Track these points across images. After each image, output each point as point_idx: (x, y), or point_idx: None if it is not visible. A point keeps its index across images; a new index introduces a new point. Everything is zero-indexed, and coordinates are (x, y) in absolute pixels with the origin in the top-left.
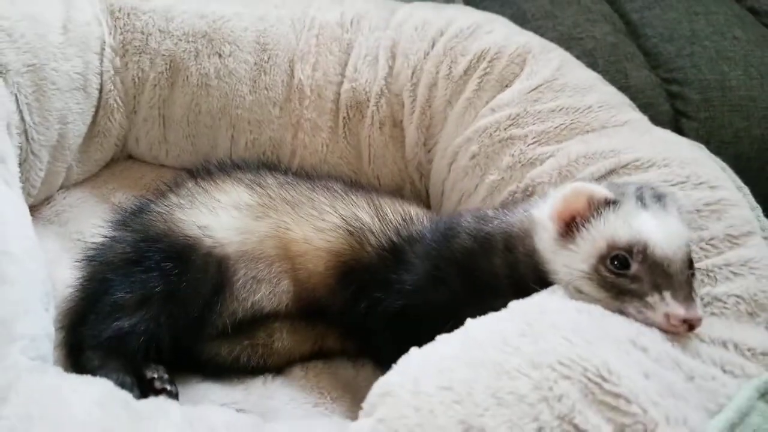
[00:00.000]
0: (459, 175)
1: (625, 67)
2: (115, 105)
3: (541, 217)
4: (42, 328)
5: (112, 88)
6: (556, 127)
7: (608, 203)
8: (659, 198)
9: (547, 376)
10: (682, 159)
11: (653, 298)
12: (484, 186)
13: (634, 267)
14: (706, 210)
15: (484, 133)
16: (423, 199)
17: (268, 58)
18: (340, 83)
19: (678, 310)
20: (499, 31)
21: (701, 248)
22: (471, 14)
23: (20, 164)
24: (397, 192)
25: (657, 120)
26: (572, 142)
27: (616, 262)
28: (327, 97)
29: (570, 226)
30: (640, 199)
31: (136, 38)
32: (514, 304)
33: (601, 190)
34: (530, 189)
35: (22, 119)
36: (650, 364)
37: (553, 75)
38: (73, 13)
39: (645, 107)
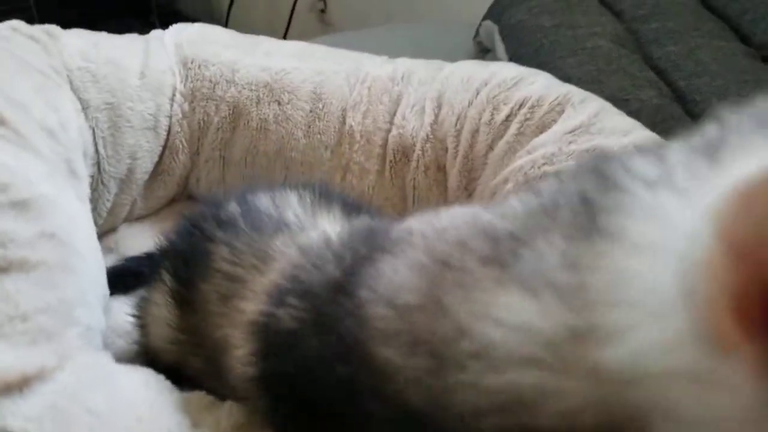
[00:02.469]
0: None
1: (671, 126)
2: (181, 146)
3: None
4: (98, 322)
5: (179, 130)
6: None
7: None
8: None
9: None
10: None
11: None
12: None
13: None
14: None
15: (519, 171)
16: None
17: (323, 106)
18: (389, 130)
19: None
20: (541, 83)
21: None
22: (515, 68)
23: (91, 192)
24: None
25: None
26: None
27: None
28: (375, 143)
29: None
30: None
31: (204, 86)
32: None
33: None
34: None
35: (97, 151)
36: None
37: (590, 119)
38: (151, 61)
39: None
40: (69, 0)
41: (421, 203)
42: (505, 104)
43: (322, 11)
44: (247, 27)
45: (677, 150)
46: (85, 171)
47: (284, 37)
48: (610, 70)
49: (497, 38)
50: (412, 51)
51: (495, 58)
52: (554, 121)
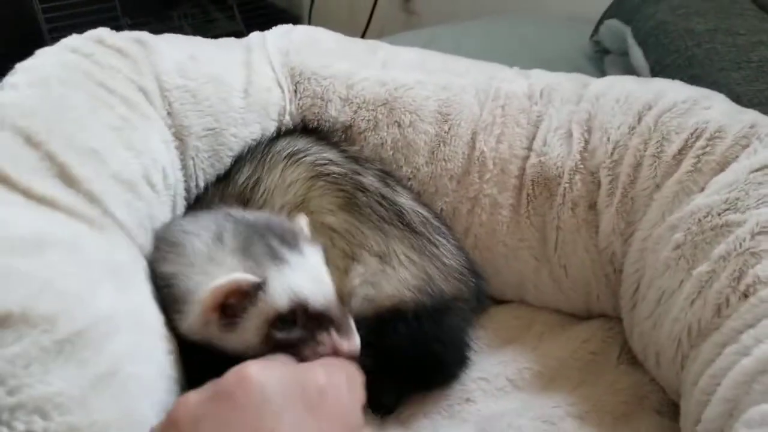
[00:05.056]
0: (658, 270)
1: None
2: None
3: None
4: None
5: None
6: None
7: (257, 287)
8: (291, 244)
9: None
10: None
11: (322, 338)
12: (690, 281)
13: (301, 322)
14: None
15: (692, 218)
16: (616, 299)
17: (449, 128)
18: (526, 157)
19: (342, 344)
20: (719, 108)
21: None
22: (684, 89)
23: None
24: (585, 290)
25: None
26: None
27: (283, 325)
28: (510, 172)
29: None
30: (276, 256)
31: (316, 104)
32: None
33: (245, 278)
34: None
35: (188, 189)
36: None
37: None
38: (254, 77)
39: None
40: None
41: (566, 248)
42: (677, 134)
43: (407, 0)
44: (329, 14)
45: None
46: None
47: (367, 26)
48: None
49: (631, 42)
50: (515, 49)
51: (623, 63)
52: (736, 157)
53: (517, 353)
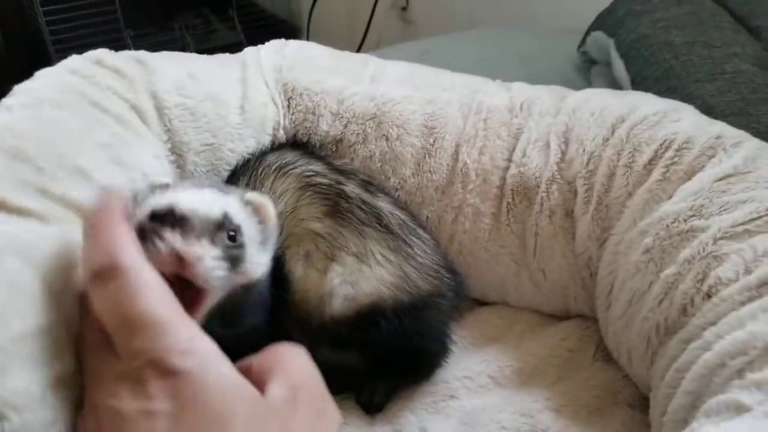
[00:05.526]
0: (629, 272)
1: None
2: None
3: None
4: None
5: None
6: (746, 220)
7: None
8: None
9: None
10: None
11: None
12: (659, 283)
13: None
14: None
15: (660, 224)
16: (592, 300)
17: (434, 141)
18: (506, 168)
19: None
20: (688, 120)
21: None
22: (656, 102)
23: None
24: (563, 292)
25: None
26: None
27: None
28: (492, 183)
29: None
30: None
31: (308, 119)
32: None
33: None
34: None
35: None
36: None
37: (746, 165)
38: (250, 93)
39: None
40: None
41: (544, 253)
42: (647, 145)
43: (404, 9)
44: (328, 24)
45: None
46: None
47: (364, 36)
48: (757, 100)
49: (614, 54)
50: (508, 60)
51: (608, 74)
52: (702, 166)
53: (499, 351)
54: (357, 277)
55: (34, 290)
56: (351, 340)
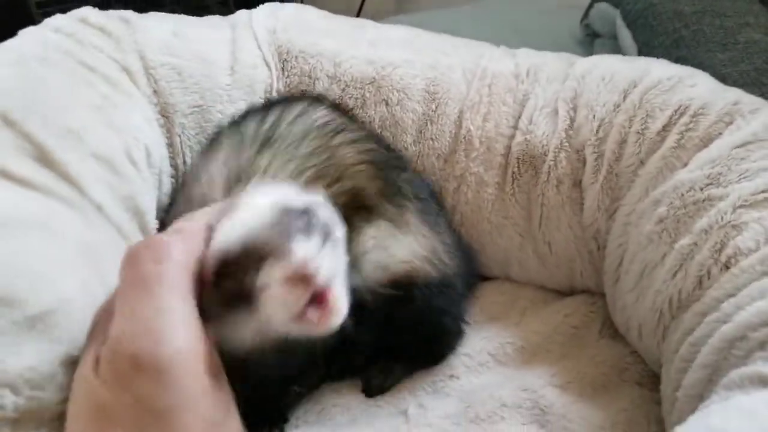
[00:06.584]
0: (641, 244)
1: None
2: None
3: None
4: None
5: None
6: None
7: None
8: None
9: None
10: None
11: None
12: (673, 254)
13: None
14: None
15: (675, 193)
16: (599, 275)
17: (436, 107)
18: (512, 136)
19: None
20: (703, 85)
21: None
22: (669, 66)
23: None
24: (568, 266)
25: None
26: None
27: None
28: (497, 151)
29: None
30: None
31: (303, 82)
32: None
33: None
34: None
35: (176, 166)
36: None
37: (765, 131)
38: (240, 54)
39: None
40: None
41: (550, 224)
42: (661, 110)
43: None
44: None
45: None
46: (152, 203)
47: (360, 9)
48: None
49: (620, 24)
50: (506, 34)
51: (612, 47)
52: (720, 133)
53: (500, 329)
54: (390, 243)
55: (48, 269)
56: (376, 311)
